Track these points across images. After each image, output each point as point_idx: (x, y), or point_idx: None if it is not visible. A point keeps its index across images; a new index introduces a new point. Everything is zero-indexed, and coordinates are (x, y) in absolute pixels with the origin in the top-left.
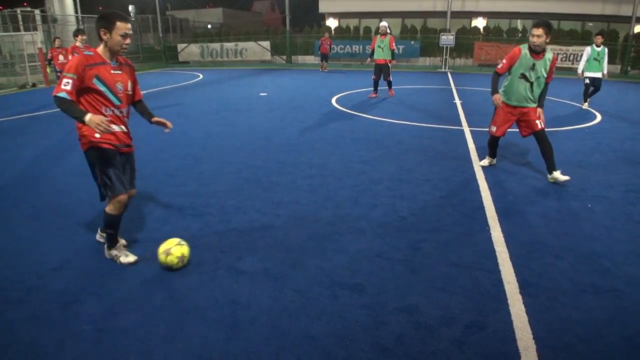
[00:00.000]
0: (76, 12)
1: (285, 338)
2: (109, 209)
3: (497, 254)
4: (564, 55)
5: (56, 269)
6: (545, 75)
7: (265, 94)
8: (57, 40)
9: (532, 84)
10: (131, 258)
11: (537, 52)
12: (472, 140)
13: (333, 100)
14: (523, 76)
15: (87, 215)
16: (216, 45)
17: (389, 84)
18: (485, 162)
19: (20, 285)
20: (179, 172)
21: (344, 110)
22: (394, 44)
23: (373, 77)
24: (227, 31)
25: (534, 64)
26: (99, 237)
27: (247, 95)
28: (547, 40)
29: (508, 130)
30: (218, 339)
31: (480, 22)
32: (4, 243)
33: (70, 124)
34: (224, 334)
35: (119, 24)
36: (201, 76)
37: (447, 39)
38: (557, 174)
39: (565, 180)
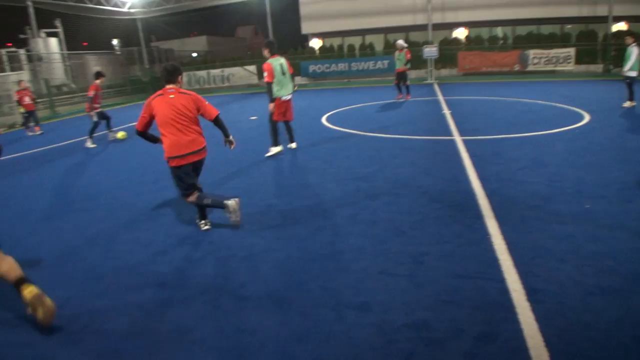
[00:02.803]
0: (61, 49)
1: None
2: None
3: (500, 262)
4: (547, 58)
5: (58, 306)
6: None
7: (255, 117)
8: (22, 82)
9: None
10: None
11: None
12: (464, 149)
13: (323, 119)
14: (284, 74)
15: (84, 251)
16: (203, 73)
17: (407, 89)
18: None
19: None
20: (175, 202)
21: (335, 128)
22: (409, 55)
23: (395, 82)
24: (212, 58)
25: (281, 64)
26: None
27: (237, 120)
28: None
29: (499, 137)
30: None
31: (461, 33)
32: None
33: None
34: None
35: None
36: None
37: (431, 51)
38: (293, 145)
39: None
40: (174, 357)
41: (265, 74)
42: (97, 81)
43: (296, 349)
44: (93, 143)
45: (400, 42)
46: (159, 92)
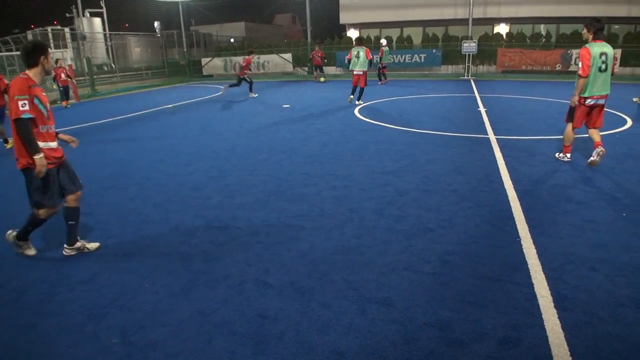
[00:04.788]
0: (104, 29)
1: (313, 353)
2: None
3: (529, 266)
4: None
5: (86, 282)
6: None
7: (288, 105)
8: (59, 61)
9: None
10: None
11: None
12: (498, 149)
13: (356, 111)
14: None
15: (115, 228)
16: (239, 59)
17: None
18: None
19: (54, 298)
20: (205, 185)
21: (367, 121)
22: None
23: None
24: (249, 44)
25: (358, 51)
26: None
27: (270, 107)
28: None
29: (535, 138)
30: (246, 355)
31: (502, 28)
32: (36, 257)
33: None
34: (252, 349)
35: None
36: None
37: (469, 47)
38: (357, 101)
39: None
40: (195, 338)
41: (347, 56)
42: (250, 56)
43: (316, 339)
44: (254, 93)
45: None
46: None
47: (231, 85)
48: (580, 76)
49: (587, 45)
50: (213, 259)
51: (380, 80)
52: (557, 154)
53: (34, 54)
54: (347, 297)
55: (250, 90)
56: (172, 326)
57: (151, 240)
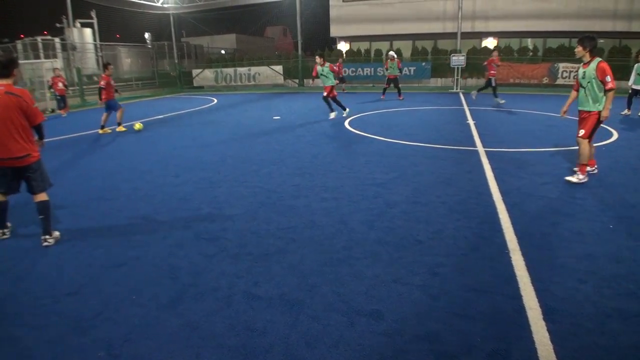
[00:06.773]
0: (94, 40)
1: None
2: (47, 196)
3: (518, 278)
4: (576, 72)
5: (72, 293)
6: None
7: (278, 117)
8: (56, 69)
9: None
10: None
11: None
12: (487, 161)
13: (346, 123)
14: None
15: (103, 239)
16: (230, 70)
17: (399, 91)
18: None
19: (38, 310)
20: (194, 196)
21: (357, 133)
22: (400, 64)
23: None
24: (240, 56)
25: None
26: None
27: (261, 119)
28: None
29: (523, 150)
30: None
31: (490, 42)
32: (21, 267)
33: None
34: None
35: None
36: (215, 101)
37: (458, 60)
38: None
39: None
40: (182, 351)
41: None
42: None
43: (305, 352)
44: (501, 99)
45: (392, 53)
46: None
47: (479, 90)
48: (612, 89)
49: (602, 60)
50: (201, 270)
51: (383, 94)
52: (573, 178)
53: (12, 66)
54: (336, 310)
55: (495, 96)
56: (159, 339)
57: (139, 252)
